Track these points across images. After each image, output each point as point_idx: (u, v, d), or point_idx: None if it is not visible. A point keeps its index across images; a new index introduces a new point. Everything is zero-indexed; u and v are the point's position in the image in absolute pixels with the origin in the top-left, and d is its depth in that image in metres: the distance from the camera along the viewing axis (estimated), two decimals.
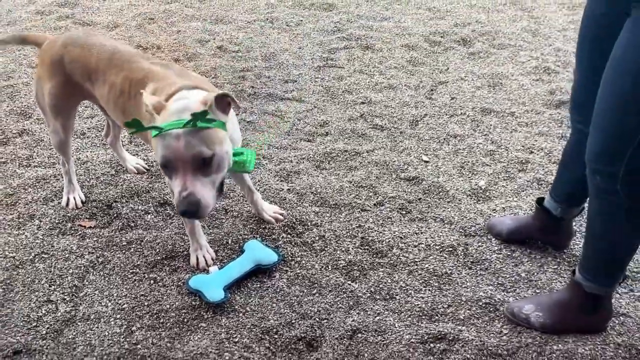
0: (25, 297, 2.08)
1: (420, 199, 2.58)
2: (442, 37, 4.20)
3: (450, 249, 2.31)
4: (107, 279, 2.17)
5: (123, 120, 2.06)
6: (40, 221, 2.44)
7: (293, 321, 1.99)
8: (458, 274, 2.19)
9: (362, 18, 4.52)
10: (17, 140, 2.97)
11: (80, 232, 2.39)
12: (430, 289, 2.13)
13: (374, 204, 2.55)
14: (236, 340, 1.93)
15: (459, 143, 2.98)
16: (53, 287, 2.13)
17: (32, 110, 3.21)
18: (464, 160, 2.84)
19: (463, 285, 2.14)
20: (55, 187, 2.64)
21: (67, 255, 2.27)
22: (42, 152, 2.88)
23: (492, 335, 1.94)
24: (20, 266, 2.22)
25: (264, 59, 3.85)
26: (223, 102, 1.72)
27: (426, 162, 2.84)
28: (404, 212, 2.51)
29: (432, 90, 3.51)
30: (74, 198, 2.52)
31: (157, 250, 2.29)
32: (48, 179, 2.68)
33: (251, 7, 4.69)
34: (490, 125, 3.14)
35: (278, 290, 2.12)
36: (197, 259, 2.21)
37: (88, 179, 2.71)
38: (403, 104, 3.35)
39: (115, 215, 2.48)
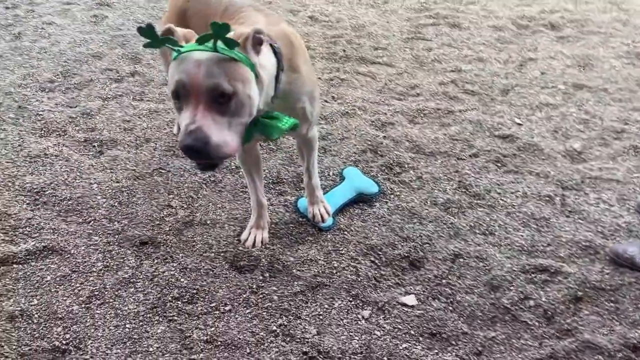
0: (147, 202, 2.25)
1: (514, 154, 2.63)
2: (529, 21, 4.22)
3: (547, 198, 2.35)
4: (219, 194, 2.32)
5: None
6: (156, 144, 2.63)
7: (395, 243, 2.08)
8: (556, 219, 2.23)
9: (448, 1, 4.59)
10: (130, 79, 3.19)
11: None
12: (529, 229, 2.18)
13: (470, 155, 2.62)
14: (342, 252, 2.03)
15: (551, 111, 3.01)
16: (171, 196, 2.29)
17: (141, 56, 3.43)
18: (557, 125, 2.87)
19: (562, 229, 2.18)
20: (165, 118, 2.82)
21: (181, 173, 2.43)
22: (153, 90, 3.08)
23: (593, 272, 1.97)
24: (140, 177, 2.40)
25: (353, 29, 3.98)
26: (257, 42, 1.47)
27: (519, 124, 2.88)
28: (499, 165, 2.56)
29: (521, 65, 3.54)
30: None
31: (264, 175, 2.43)
32: (160, 112, 2.88)
33: None
34: (583, 98, 3.14)
35: (379, 216, 2.22)
36: (249, 236, 2.07)
37: None
38: (493, 74, 3.40)
39: None
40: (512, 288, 1.90)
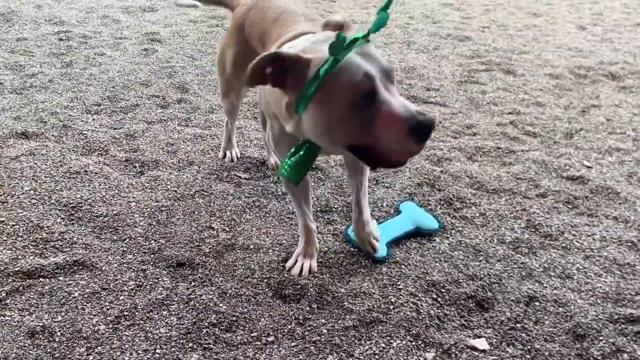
0: (186, 223, 2.09)
1: (587, 196, 2.39)
2: (587, 71, 4.05)
3: (630, 244, 2.08)
4: (264, 219, 2.14)
5: None
6: (199, 167, 2.49)
7: (460, 280, 1.84)
8: None
9: (500, 50, 4.48)
10: (176, 105, 3.11)
11: (236, 180, 2.41)
12: (612, 275, 1.91)
13: (537, 195, 2.39)
14: (400, 287, 1.80)
15: (623, 156, 2.77)
16: (213, 218, 2.13)
17: (189, 86, 3.38)
18: (631, 170, 2.63)
19: None
20: (210, 143, 2.71)
21: (225, 196, 2.28)
22: (198, 117, 2.99)
23: None
24: (181, 198, 2.25)
25: (403, 71, 3.88)
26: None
27: (589, 167, 2.65)
28: (570, 206, 2.32)
29: (584, 111, 3.34)
30: (231, 152, 2.56)
31: (313, 203, 2.25)
32: (204, 137, 2.77)
33: (388, 33, 4.80)
34: None
35: (440, 252, 1.99)
36: (296, 264, 1.84)
37: (243, 141, 2.76)
38: (554, 118, 3.20)
39: (269, 171, 2.49)
40: (601, 338, 1.63)
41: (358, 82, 1.23)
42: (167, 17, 4.88)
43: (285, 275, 1.83)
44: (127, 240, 1.97)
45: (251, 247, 1.97)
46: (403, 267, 1.90)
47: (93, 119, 2.88)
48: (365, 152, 1.32)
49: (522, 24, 5.24)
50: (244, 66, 1.94)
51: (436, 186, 2.40)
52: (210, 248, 1.94)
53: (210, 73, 3.59)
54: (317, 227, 2.09)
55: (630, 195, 2.40)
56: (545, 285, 1.84)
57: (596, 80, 3.88)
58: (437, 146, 2.78)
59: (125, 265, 1.85)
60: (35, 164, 2.41)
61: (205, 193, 2.29)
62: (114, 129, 2.79)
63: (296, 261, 1.86)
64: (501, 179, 2.49)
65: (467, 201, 2.30)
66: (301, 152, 1.44)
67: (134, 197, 2.23)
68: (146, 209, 2.16)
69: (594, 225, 2.18)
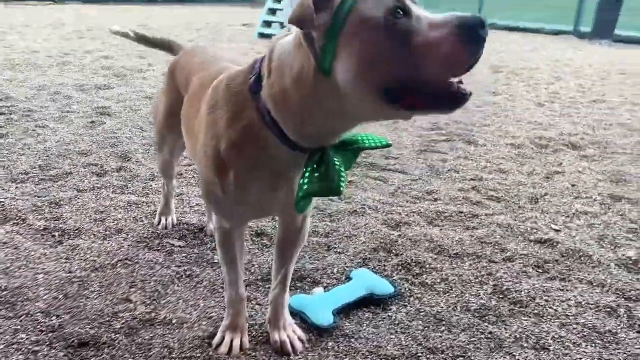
0: (101, 295, 1.78)
1: (557, 260, 2.17)
2: (549, 141, 3.99)
3: (609, 309, 1.85)
4: (194, 290, 1.85)
5: (187, 137, 1.60)
6: (128, 235, 2.21)
7: (419, 355, 1.56)
8: (626, 334, 1.71)
9: (461, 123, 4.43)
10: (114, 174, 2.87)
11: (168, 249, 2.13)
12: (593, 345, 1.65)
13: (504, 259, 2.16)
14: None
15: (591, 219, 2.60)
16: (134, 289, 1.82)
17: (132, 155, 3.16)
18: (601, 233, 2.44)
19: (636, 346, 1.65)
20: (146, 211, 2.44)
21: (152, 265, 1.99)
22: (137, 184, 2.75)
23: None
24: (100, 269, 1.95)
25: None
26: None
27: (557, 230, 2.46)
28: (540, 271, 2.09)
29: (548, 177, 3.22)
30: (167, 219, 2.30)
31: (252, 271, 1.98)
32: (140, 205, 2.51)
33: None
34: (624, 209, 2.75)
35: (397, 322, 1.71)
36: (224, 340, 1.55)
37: (182, 207, 2.51)
38: (518, 184, 3.06)
39: (207, 238, 2.22)
40: None
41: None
42: (122, 94, 4.76)
43: (212, 353, 1.52)
44: (24, 317, 1.65)
45: (174, 321, 1.66)
46: (353, 340, 1.61)
47: (16, 188, 2.60)
48: (410, 94, 1.02)
49: (483, 101, 5.27)
50: (176, 116, 1.77)
51: (393, 251, 2.16)
52: (123, 324, 1.63)
53: None
54: (257, 298, 1.81)
55: (604, 259, 2.19)
56: (518, 357, 1.57)
57: (558, 150, 3.81)
58: (395, 211, 2.57)
59: (14, 346, 1.52)
60: None
61: (130, 262, 2.00)
62: (38, 197, 2.51)
63: (224, 337, 1.55)
64: (464, 243, 2.27)
65: (428, 266, 2.06)
66: (332, 161, 1.16)
67: (43, 269, 1.92)
68: (55, 281, 1.85)
69: (567, 290, 1.95)
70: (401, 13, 1.01)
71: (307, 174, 1.17)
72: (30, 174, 2.78)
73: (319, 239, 2.25)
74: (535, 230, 2.43)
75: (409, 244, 2.22)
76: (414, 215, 2.53)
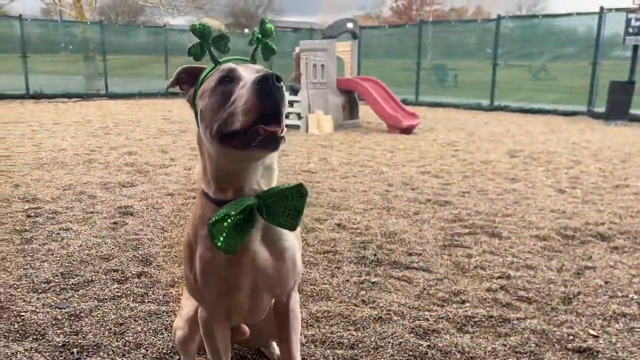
0: None
1: None
2: (574, 232, 3.90)
3: None
4: None
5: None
6: (147, 350, 2.15)
7: None
8: None
9: (482, 214, 4.38)
10: (134, 279, 2.85)
11: None
12: None
13: None
14: None
15: (630, 322, 2.47)
16: None
17: (153, 259, 3.15)
18: None
19: None
20: (166, 321, 2.39)
21: None
22: (157, 291, 2.71)
23: None
24: None
25: (383, 236, 3.71)
26: None
27: (595, 336, 2.33)
28: None
29: (578, 273, 3.11)
30: None
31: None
32: (160, 314, 2.46)
33: (367, 199, 4.75)
34: None
35: None
36: None
37: None
38: (548, 281, 2.95)
39: None
40: None
41: (222, 70, 1.36)
42: (145, 192, 4.84)
43: None
44: None
45: None
46: None
47: (37, 298, 2.58)
48: (233, 137, 1.31)
49: (502, 189, 5.24)
50: None
51: None
52: None
53: (178, 244, 3.39)
54: None
55: None
56: None
57: (585, 241, 3.71)
58: (423, 316, 2.48)
59: None
60: None
61: None
62: (59, 308, 2.48)
63: None
64: (498, 354, 2.15)
65: None
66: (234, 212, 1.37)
67: None
68: None
69: None
70: (228, 79, 1.32)
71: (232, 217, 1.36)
72: (52, 283, 2.77)
73: (344, 352, 2.16)
74: (571, 337, 2.30)
75: (439, 356, 2.11)
76: (442, 321, 2.43)
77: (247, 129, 1.27)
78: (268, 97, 1.24)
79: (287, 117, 9.85)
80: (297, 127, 9.36)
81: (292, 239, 1.55)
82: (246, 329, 1.94)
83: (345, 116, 10.08)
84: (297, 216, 1.45)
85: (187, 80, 1.47)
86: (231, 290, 1.51)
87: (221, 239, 1.34)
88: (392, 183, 5.39)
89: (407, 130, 9.18)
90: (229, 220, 1.35)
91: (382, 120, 9.64)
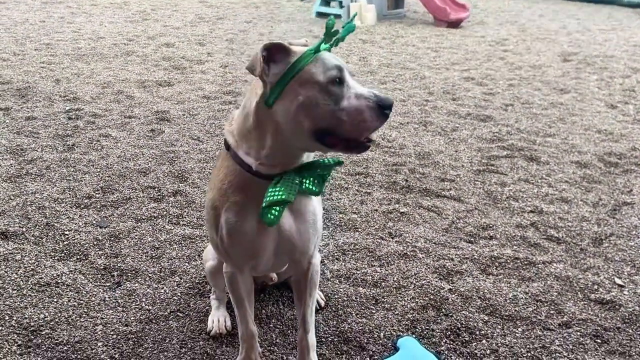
0: (154, 355, 1.86)
1: (619, 328, 2.07)
2: (619, 158, 3.75)
3: None
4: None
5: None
6: (181, 278, 2.28)
7: None
8: None
9: (523, 132, 4.24)
10: (170, 199, 2.95)
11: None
12: None
13: (559, 324, 2.08)
14: None
15: None
16: (184, 349, 1.89)
17: (188, 175, 3.23)
18: None
19: None
20: (199, 247, 2.50)
21: (201, 317, 2.05)
22: (192, 213, 2.81)
23: None
24: (154, 320, 2.02)
25: (417, 157, 3.66)
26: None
27: (621, 286, 2.34)
28: (599, 341, 2.00)
29: (615, 209, 3.04)
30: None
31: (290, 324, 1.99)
32: (194, 239, 2.57)
33: (405, 111, 4.63)
34: None
35: None
36: None
37: None
38: (581, 219, 2.91)
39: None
40: None
41: (330, 70, 1.38)
42: (182, 93, 4.83)
43: None
44: None
45: None
46: None
47: (80, 215, 2.72)
48: (330, 136, 1.38)
49: (548, 102, 5.00)
50: None
51: (443, 310, 2.13)
52: None
53: (212, 159, 3.45)
54: None
55: None
56: None
57: (628, 170, 3.58)
58: (448, 255, 2.51)
59: None
60: (6, 272, 2.24)
61: (181, 314, 2.06)
62: (100, 227, 2.62)
63: None
64: (518, 302, 2.20)
65: (478, 332, 2.01)
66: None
67: (102, 318, 2.02)
68: (112, 334, 1.94)
69: None
70: (338, 81, 1.37)
71: (269, 190, 1.42)
72: (93, 198, 2.90)
73: (366, 290, 2.24)
74: (596, 287, 2.31)
75: (459, 302, 2.18)
76: (466, 262, 2.46)
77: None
78: (384, 120, 1.38)
79: (328, 4, 9.28)
80: (339, 16, 8.92)
81: (315, 204, 1.60)
82: (273, 275, 2.02)
83: (390, 5, 9.51)
84: (322, 184, 1.51)
85: (266, 58, 1.38)
86: (256, 253, 1.57)
87: (272, 217, 1.41)
88: (432, 91, 5.20)
89: (455, 24, 8.64)
90: (284, 202, 1.41)
91: (429, 12, 9.07)
